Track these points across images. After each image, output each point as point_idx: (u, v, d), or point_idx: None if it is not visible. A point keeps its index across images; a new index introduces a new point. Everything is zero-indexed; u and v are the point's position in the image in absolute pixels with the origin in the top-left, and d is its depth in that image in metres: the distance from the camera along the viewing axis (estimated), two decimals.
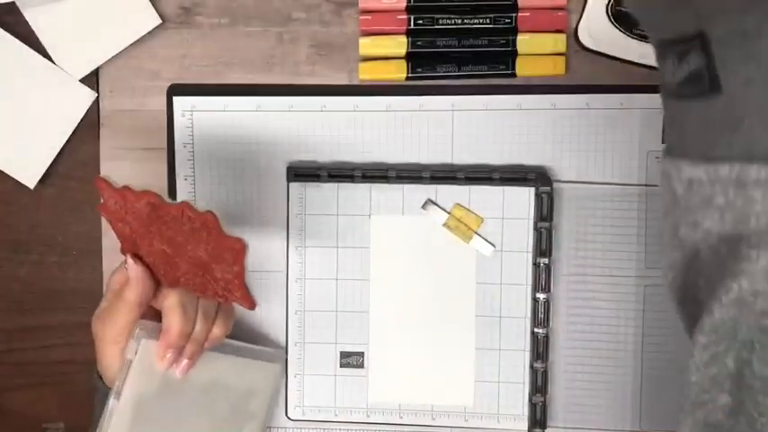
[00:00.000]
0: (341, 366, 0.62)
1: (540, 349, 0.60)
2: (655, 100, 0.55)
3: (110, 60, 0.60)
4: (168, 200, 0.52)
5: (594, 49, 0.58)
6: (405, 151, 0.60)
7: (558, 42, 0.58)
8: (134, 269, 0.52)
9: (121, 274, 0.54)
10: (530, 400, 0.61)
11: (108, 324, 0.53)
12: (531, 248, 0.60)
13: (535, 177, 0.59)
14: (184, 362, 0.53)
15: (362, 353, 0.62)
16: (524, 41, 0.58)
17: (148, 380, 0.53)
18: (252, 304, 0.52)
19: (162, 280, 0.53)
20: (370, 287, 0.61)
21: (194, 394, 0.55)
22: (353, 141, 0.61)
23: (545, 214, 0.59)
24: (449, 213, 0.61)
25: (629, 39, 0.57)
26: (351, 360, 0.62)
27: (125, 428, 0.52)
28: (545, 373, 0.60)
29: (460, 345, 0.61)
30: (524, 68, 0.59)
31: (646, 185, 0.59)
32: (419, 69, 0.59)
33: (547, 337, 0.60)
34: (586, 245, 0.60)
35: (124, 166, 0.61)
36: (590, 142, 0.59)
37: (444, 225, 0.61)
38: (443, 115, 0.60)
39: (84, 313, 0.56)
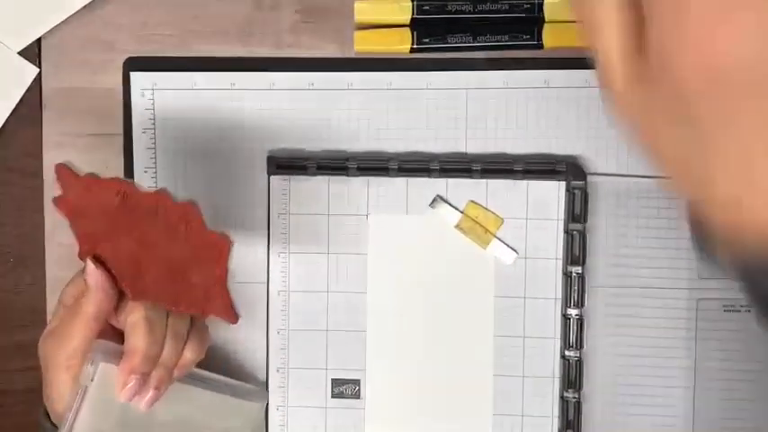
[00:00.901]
0: (332, 397, 0.54)
1: (573, 376, 0.51)
2: None
3: (54, 29, 0.53)
4: (142, 188, 0.46)
5: None
6: (409, 138, 0.52)
7: None
8: (94, 274, 0.45)
9: (76, 286, 0.47)
10: None
11: (59, 345, 0.45)
12: (560, 255, 0.51)
13: (566, 169, 0.51)
14: (150, 392, 0.45)
15: (358, 380, 0.53)
16: (553, 6, 0.51)
17: (106, 413, 0.45)
18: (234, 317, 0.48)
19: (126, 290, 0.45)
20: (367, 301, 0.53)
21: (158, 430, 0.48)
22: (347, 126, 0.52)
23: (578, 214, 0.51)
24: (462, 213, 0.52)
25: None
26: (344, 389, 0.53)
27: None
28: (578, 405, 0.51)
29: (476, 371, 0.52)
30: (553, 38, 0.51)
31: None
32: (426, 39, 0.51)
33: (580, 361, 0.51)
34: (627, 251, 0.51)
35: (71, 155, 0.54)
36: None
37: (456, 227, 0.52)
38: (455, 95, 0.52)
39: (22, 332, 0.53)
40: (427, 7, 0.51)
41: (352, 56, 0.52)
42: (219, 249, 0.45)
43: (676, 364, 0.51)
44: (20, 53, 0.53)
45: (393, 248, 0.52)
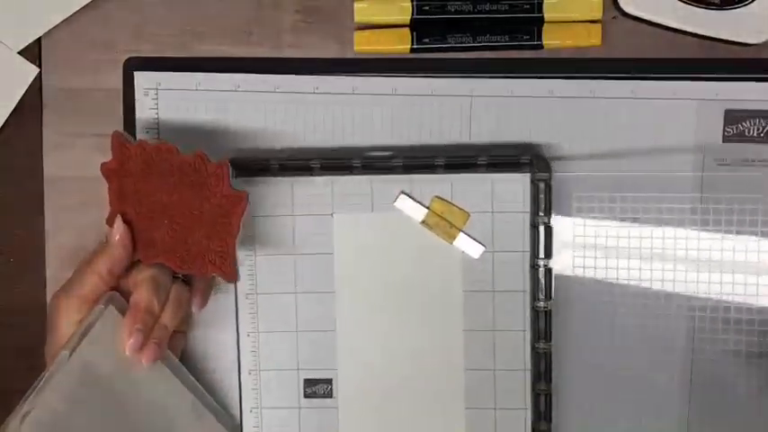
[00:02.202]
0: (305, 397, 0.53)
1: (543, 368, 0.50)
2: (713, 89, 0.49)
3: (54, 29, 0.53)
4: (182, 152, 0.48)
5: (636, 14, 0.50)
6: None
7: (593, 6, 0.50)
8: (121, 229, 0.48)
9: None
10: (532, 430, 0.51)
11: (72, 294, 0.48)
12: (527, 248, 0.51)
13: (530, 161, 0.50)
14: (152, 346, 0.47)
15: (330, 380, 0.53)
16: (552, 5, 0.50)
17: (101, 358, 0.47)
18: (235, 275, 0.48)
19: (138, 252, 0.49)
20: (335, 301, 0.52)
21: (137, 408, 0.48)
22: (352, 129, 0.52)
23: (543, 206, 0.50)
24: (427, 208, 0.51)
25: (678, 2, 0.49)
26: (317, 389, 0.53)
27: (70, 390, 0.45)
28: (549, 396, 0.51)
29: (447, 365, 0.52)
30: (553, 38, 0.50)
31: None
32: (426, 40, 0.51)
33: (550, 353, 0.51)
34: (594, 241, 0.51)
35: (73, 155, 0.53)
36: (637, 138, 0.51)
37: (422, 223, 0.51)
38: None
39: (22, 332, 0.53)
40: (427, 7, 0.50)
41: (352, 56, 0.51)
42: (237, 202, 0.47)
43: (647, 351, 0.51)
44: (20, 53, 0.53)
45: (359, 247, 0.52)
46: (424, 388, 0.52)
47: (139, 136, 0.52)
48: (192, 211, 0.47)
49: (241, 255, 0.52)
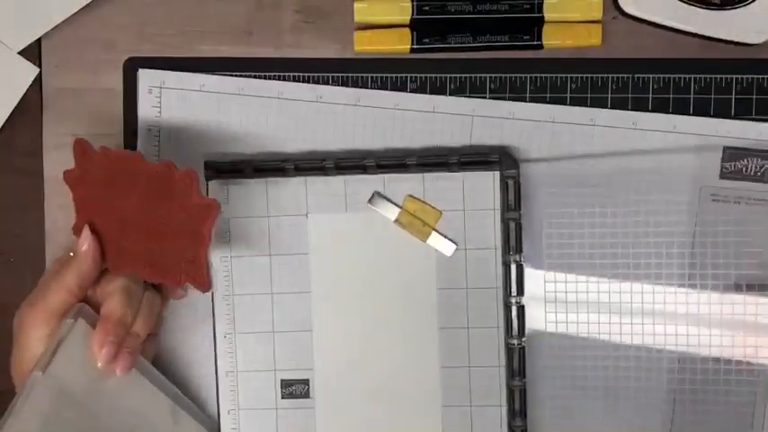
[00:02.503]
0: (283, 397, 0.53)
1: (517, 364, 0.51)
2: (712, 125, 0.50)
3: (54, 29, 0.52)
4: (149, 160, 0.47)
5: (636, 14, 0.50)
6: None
7: (593, 6, 0.50)
8: (88, 240, 0.47)
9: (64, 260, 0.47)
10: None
11: (39, 308, 0.46)
12: (499, 244, 0.51)
13: (499, 159, 0.50)
14: (125, 356, 0.45)
15: (307, 380, 0.53)
16: (552, 5, 0.51)
17: (74, 374, 0.45)
18: (208, 285, 0.47)
19: (108, 262, 0.48)
20: (311, 301, 0.53)
21: (115, 419, 0.47)
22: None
23: (512, 203, 0.50)
24: (400, 208, 0.52)
25: (678, 2, 0.49)
26: (294, 389, 0.53)
27: (46, 409, 0.43)
28: (524, 392, 0.51)
29: (423, 363, 0.52)
30: (553, 38, 0.51)
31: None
32: (426, 40, 0.51)
33: (523, 348, 0.51)
34: (565, 235, 0.52)
35: (71, 155, 0.52)
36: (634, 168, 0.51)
37: (396, 222, 0.52)
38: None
39: None
40: (427, 7, 0.51)
41: (352, 56, 0.52)
42: (207, 211, 0.45)
43: (620, 348, 0.51)
44: (20, 53, 0.52)
45: (334, 247, 0.52)
46: (400, 386, 0.52)
47: (141, 134, 0.52)
48: (160, 220, 0.46)
49: (217, 258, 0.52)
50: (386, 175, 0.52)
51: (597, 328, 0.51)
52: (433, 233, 0.52)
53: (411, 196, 0.52)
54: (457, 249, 0.52)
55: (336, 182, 0.52)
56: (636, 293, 0.51)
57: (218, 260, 0.52)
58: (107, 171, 0.46)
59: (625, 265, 0.51)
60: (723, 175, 0.50)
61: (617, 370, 0.51)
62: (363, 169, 0.51)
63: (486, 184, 0.51)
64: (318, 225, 0.52)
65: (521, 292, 0.50)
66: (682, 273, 0.51)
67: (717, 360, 0.51)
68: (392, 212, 0.52)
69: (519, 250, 0.50)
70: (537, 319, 0.52)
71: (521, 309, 0.51)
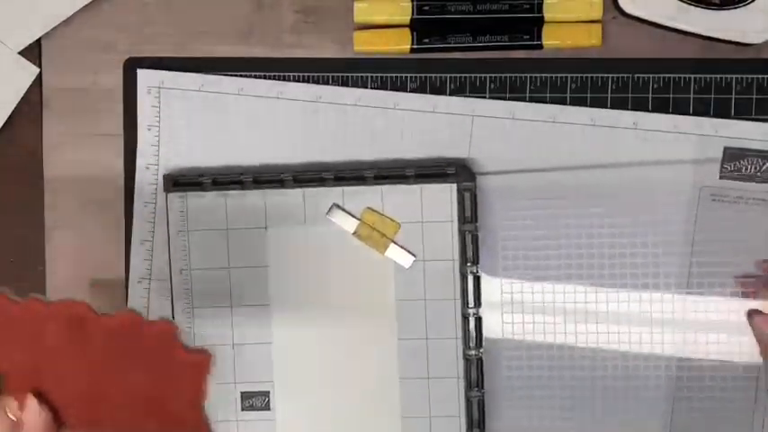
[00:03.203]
0: (243, 410, 0.53)
1: (475, 375, 0.51)
2: (713, 125, 0.50)
3: (54, 29, 0.52)
4: (103, 312, 0.40)
5: (636, 14, 0.50)
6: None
7: (593, 6, 0.50)
8: (34, 412, 0.38)
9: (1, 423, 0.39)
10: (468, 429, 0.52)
11: None
12: (456, 256, 0.51)
13: (455, 172, 0.51)
14: None
15: (267, 392, 0.53)
16: (552, 5, 0.50)
17: None
18: None
19: (72, 429, 0.41)
20: (271, 313, 0.53)
21: None
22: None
23: (468, 215, 0.51)
24: (359, 220, 0.52)
25: (678, 2, 0.49)
26: (254, 401, 0.53)
27: None
28: (482, 403, 0.51)
29: (382, 375, 0.53)
30: (553, 38, 0.51)
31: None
32: (426, 40, 0.51)
33: (481, 359, 0.51)
34: (521, 245, 0.52)
35: (71, 155, 0.53)
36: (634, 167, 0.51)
37: (355, 234, 0.52)
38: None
39: None
40: (427, 7, 0.51)
41: (351, 56, 0.52)
42: (198, 369, 0.40)
43: (578, 354, 0.52)
44: (20, 53, 0.52)
45: (293, 259, 0.52)
46: (360, 398, 0.53)
47: (140, 134, 0.52)
48: (139, 379, 0.39)
49: (176, 270, 0.52)
50: (345, 188, 0.52)
51: (553, 338, 0.52)
52: (392, 245, 0.52)
53: (370, 208, 0.52)
54: (415, 261, 0.52)
55: (295, 194, 0.52)
56: (633, 294, 0.51)
57: (178, 273, 0.52)
58: (45, 327, 0.39)
59: (599, 267, 0.51)
60: (723, 175, 0.50)
61: (594, 380, 0.52)
62: (321, 182, 0.51)
63: (444, 196, 0.52)
64: (278, 238, 0.52)
65: (478, 303, 0.51)
66: (681, 272, 0.51)
67: (716, 361, 0.51)
68: (351, 225, 0.52)
69: (476, 261, 0.51)
70: (495, 329, 0.52)
71: (478, 320, 0.51)
